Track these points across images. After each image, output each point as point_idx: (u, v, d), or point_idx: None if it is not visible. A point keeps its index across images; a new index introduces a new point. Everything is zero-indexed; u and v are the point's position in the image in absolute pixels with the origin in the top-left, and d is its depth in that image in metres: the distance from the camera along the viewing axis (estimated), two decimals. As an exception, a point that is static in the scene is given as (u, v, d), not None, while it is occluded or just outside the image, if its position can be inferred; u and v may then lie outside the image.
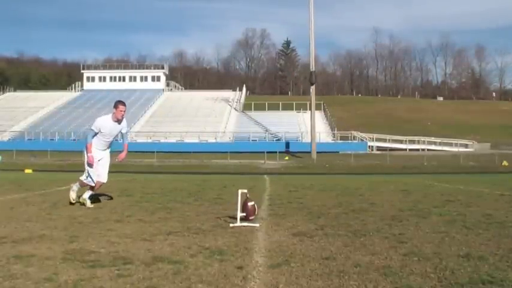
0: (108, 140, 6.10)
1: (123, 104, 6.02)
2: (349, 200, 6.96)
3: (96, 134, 6.00)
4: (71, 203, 6.13)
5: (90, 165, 5.99)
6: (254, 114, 50.49)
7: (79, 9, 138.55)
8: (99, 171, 6.10)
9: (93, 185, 6.12)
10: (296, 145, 40.07)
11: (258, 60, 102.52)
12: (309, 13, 36.11)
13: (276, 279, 2.69)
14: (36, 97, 58.99)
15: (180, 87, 70.21)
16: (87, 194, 6.13)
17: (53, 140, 42.61)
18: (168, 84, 65.78)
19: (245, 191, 4.88)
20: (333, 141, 42.73)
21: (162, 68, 66.92)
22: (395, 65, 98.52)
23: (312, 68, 37.38)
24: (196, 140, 42.09)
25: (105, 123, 5.98)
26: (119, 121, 6.01)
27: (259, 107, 51.78)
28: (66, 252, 3.35)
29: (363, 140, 42.36)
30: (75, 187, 6.20)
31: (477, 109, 61.02)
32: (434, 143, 43.40)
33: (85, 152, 6.08)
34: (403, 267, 2.94)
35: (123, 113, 5.98)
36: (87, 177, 6.10)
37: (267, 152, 33.45)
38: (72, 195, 6.14)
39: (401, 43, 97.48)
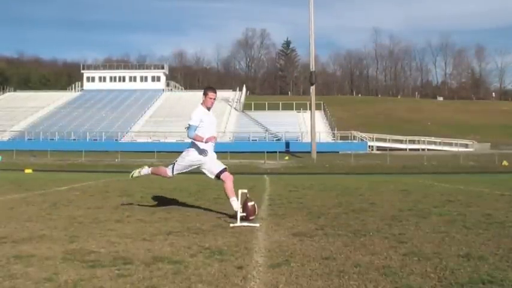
0: (212, 131, 5.60)
1: (214, 90, 5.55)
2: (349, 200, 6.96)
3: (196, 128, 5.35)
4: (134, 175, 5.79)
5: (209, 143, 5.46)
6: (254, 114, 50.48)
7: (79, 9, 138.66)
8: (211, 164, 5.56)
9: (170, 175, 5.64)
10: (296, 145, 40.05)
11: (258, 60, 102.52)
12: (309, 13, 36.08)
13: (276, 279, 2.69)
14: (36, 97, 58.95)
15: (180, 87, 70.22)
16: (145, 171, 5.70)
17: (53, 140, 42.59)
18: (168, 84, 65.76)
19: (245, 191, 4.89)
20: (333, 141, 42.71)
21: (162, 68, 66.89)
22: (395, 65, 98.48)
23: (312, 68, 37.35)
24: (196, 140, 42.02)
25: (202, 112, 5.45)
26: (209, 109, 5.57)
27: (259, 107, 51.80)
28: (66, 252, 3.35)
29: (363, 140, 42.35)
30: (144, 170, 5.71)
31: (477, 109, 61.04)
32: (434, 143, 43.41)
33: (185, 153, 5.60)
34: (403, 267, 2.94)
35: (213, 100, 5.56)
36: (172, 167, 5.67)
37: (267, 152, 33.40)
38: (135, 173, 5.74)
39: (401, 43, 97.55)
